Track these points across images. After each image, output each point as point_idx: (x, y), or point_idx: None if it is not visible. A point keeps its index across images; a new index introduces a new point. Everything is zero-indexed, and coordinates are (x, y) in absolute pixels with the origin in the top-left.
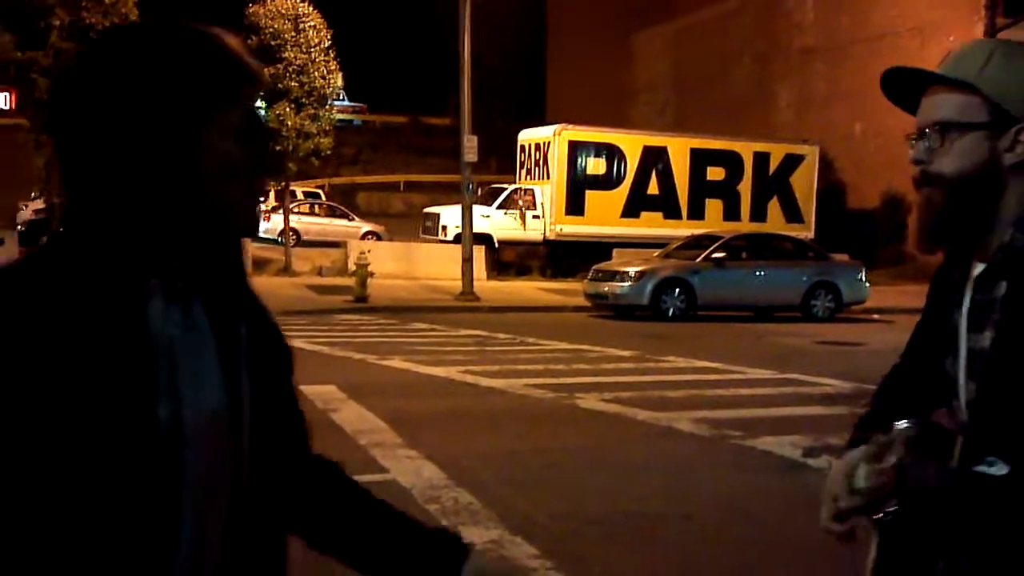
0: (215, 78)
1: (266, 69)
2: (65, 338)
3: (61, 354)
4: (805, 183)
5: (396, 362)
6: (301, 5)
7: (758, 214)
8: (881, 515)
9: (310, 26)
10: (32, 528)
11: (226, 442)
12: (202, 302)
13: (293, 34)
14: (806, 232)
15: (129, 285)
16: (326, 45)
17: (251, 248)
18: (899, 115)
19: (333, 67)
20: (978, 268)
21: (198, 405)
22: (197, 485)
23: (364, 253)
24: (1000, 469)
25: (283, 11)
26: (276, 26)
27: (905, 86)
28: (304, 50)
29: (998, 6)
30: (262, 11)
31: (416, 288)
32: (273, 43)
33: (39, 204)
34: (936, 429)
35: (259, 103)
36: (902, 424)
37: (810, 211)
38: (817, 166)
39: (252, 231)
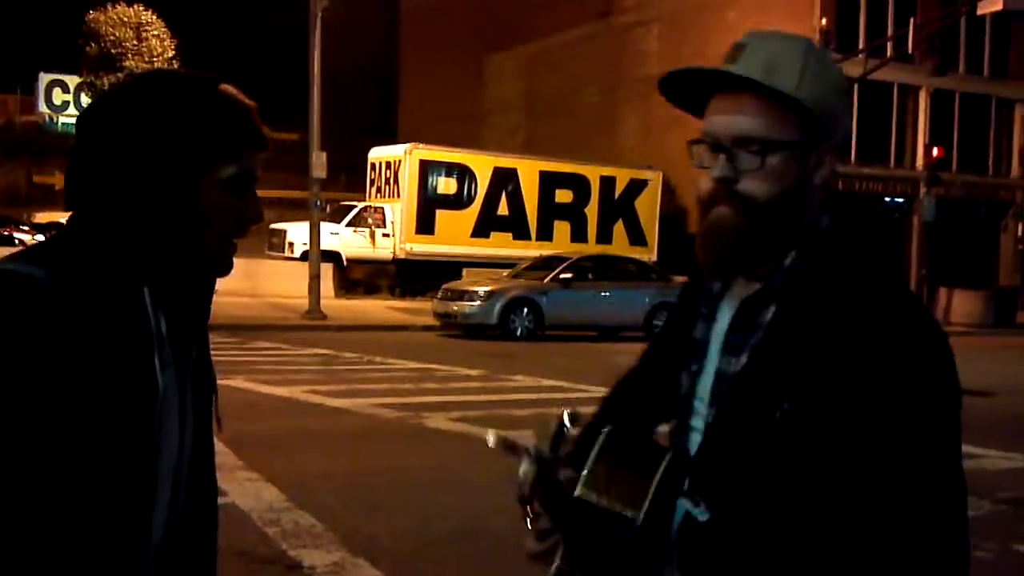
0: (221, 133)
1: (106, 78)
2: (86, 322)
3: (81, 337)
4: (649, 207)
5: (238, 382)
6: (144, 13)
7: (604, 236)
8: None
9: (153, 35)
10: (35, 507)
11: (175, 431)
12: (166, 319)
13: (135, 43)
14: (649, 254)
15: (130, 287)
16: (170, 55)
17: None
18: None
19: None
20: (742, 285)
21: (166, 395)
22: (165, 466)
23: None
24: (703, 514)
25: (125, 19)
26: (117, 34)
27: (695, 84)
28: (147, 59)
29: (831, 42)
30: (103, 18)
31: (260, 306)
32: (114, 51)
33: None
34: (643, 442)
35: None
36: (568, 424)
37: (653, 234)
38: (660, 191)
39: (226, 271)
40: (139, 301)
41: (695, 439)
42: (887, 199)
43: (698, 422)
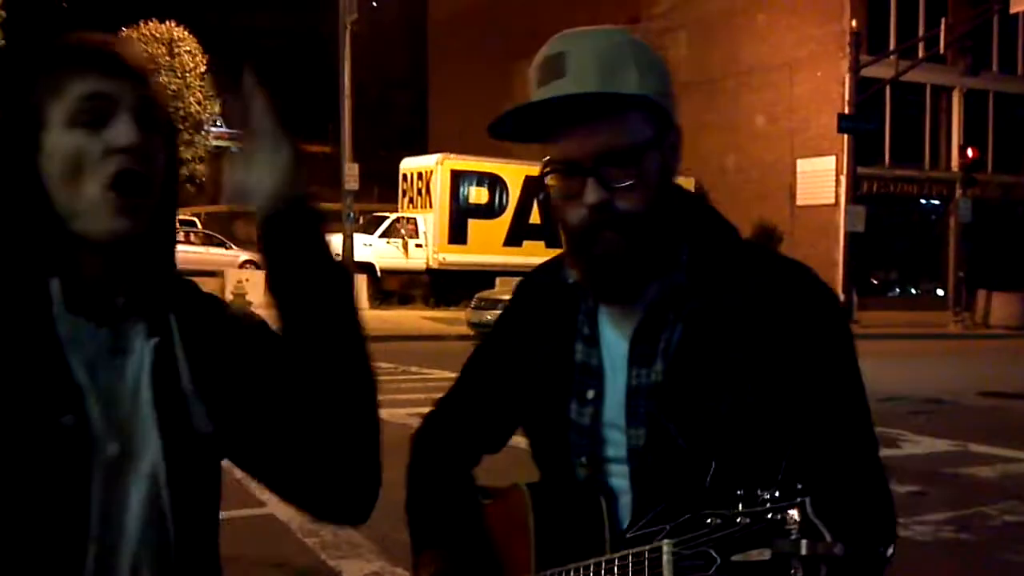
0: (35, 74)
1: None
2: None
3: None
4: None
5: None
6: (176, 29)
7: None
8: None
9: (185, 50)
10: None
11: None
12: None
13: (167, 58)
14: None
15: (29, 289)
16: (202, 70)
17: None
18: (772, 148)
19: (210, 93)
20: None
21: (109, 418)
22: (105, 494)
23: (242, 282)
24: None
25: (157, 35)
26: (150, 50)
27: (533, 115)
28: (179, 74)
29: (862, 44)
30: (136, 34)
31: None
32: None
33: None
34: (565, 500)
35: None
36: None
37: None
38: None
39: (116, 229)
40: (40, 300)
41: (617, 471)
42: (922, 201)
43: (615, 451)
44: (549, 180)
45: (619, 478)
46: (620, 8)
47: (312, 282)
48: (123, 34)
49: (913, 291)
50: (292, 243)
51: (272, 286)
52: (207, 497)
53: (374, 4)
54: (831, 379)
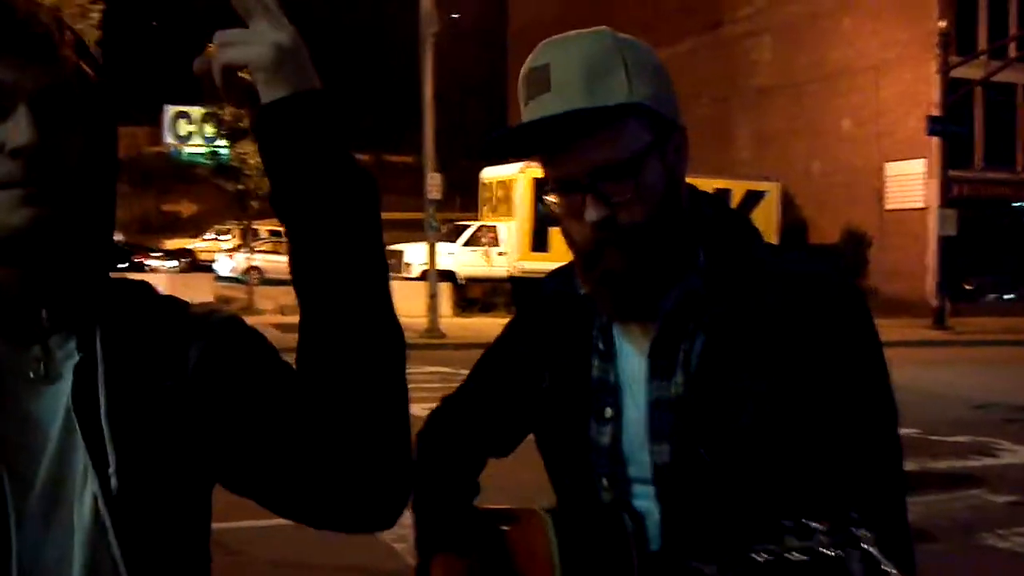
0: None
1: (228, 108)
2: None
3: None
4: (766, 219)
5: None
6: None
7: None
8: None
9: None
10: None
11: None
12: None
13: None
14: None
15: None
16: None
17: (214, 287)
18: (859, 152)
19: None
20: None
21: (21, 456)
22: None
23: None
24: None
25: None
26: None
27: (525, 133)
28: None
29: (950, 45)
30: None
31: None
32: None
33: None
34: (589, 525)
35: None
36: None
37: None
38: (778, 203)
39: (18, 231)
40: None
41: (642, 492)
42: (1015, 204)
43: (638, 470)
44: (550, 198)
45: (644, 499)
46: (702, 13)
47: (331, 189)
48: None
49: (1007, 297)
50: (302, 137)
51: (279, 200)
52: (177, 531)
53: (455, 16)
54: (853, 388)
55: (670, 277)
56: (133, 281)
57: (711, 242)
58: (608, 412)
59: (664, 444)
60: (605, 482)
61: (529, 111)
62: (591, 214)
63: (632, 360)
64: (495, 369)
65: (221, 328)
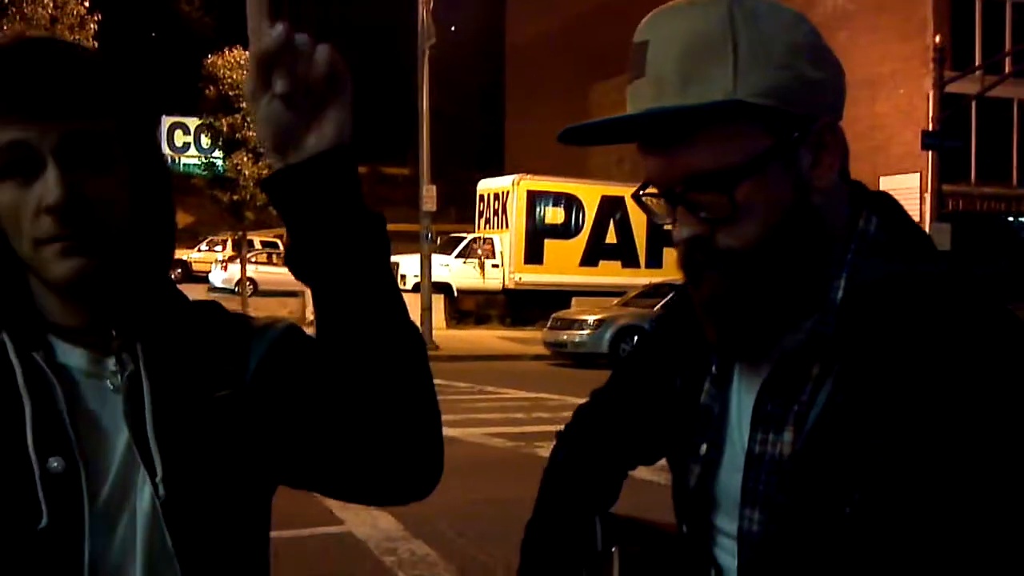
0: None
1: (224, 119)
2: None
3: None
4: None
5: None
6: None
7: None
8: None
9: None
10: None
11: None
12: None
13: None
14: None
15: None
16: None
17: (207, 297)
18: (854, 166)
19: None
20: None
21: (97, 458)
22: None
23: None
24: None
25: (242, 62)
26: (235, 76)
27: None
28: None
29: (946, 60)
30: (220, 62)
31: None
32: (232, 93)
33: None
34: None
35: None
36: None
37: None
38: None
39: (61, 279)
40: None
41: (726, 546)
42: (1010, 219)
43: (726, 523)
44: (646, 201)
45: (727, 555)
46: None
47: (355, 233)
48: (208, 61)
49: None
50: (336, 191)
51: (307, 255)
52: (230, 529)
53: (452, 28)
54: (1007, 490)
55: (794, 311)
56: (203, 301)
57: (858, 271)
58: (703, 449)
59: (756, 511)
60: (684, 528)
61: (628, 95)
62: (680, 231)
63: (744, 397)
64: (636, 369)
65: (280, 337)
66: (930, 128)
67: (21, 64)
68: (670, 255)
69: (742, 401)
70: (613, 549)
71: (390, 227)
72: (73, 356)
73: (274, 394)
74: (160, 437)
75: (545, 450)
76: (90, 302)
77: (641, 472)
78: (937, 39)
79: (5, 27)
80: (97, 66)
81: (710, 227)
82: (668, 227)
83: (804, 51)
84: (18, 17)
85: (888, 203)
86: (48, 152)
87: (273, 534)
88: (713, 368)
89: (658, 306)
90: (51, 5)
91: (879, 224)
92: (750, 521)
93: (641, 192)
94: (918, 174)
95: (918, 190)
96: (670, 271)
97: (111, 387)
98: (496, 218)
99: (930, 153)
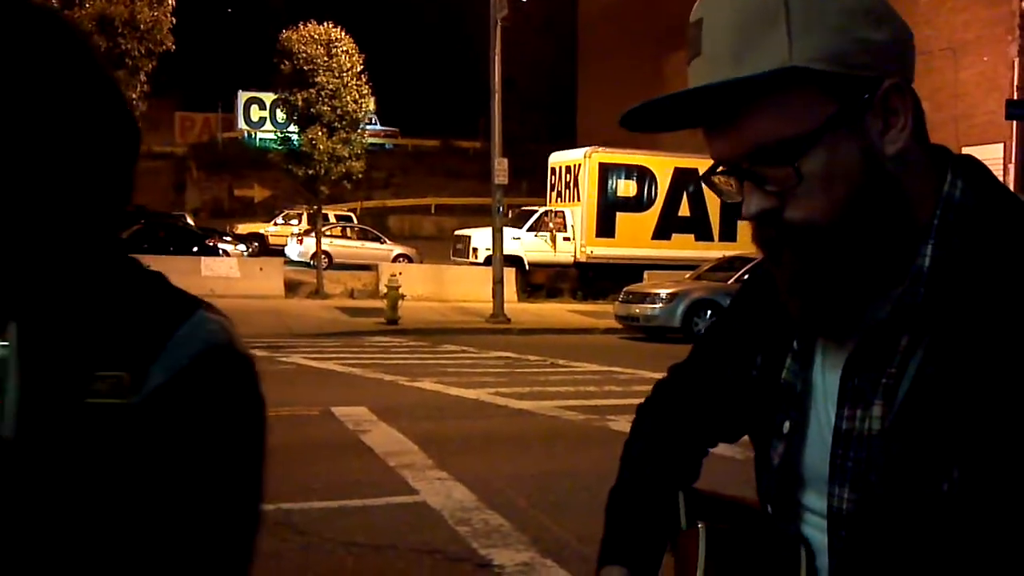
0: None
1: (299, 94)
2: None
3: None
4: None
5: (426, 384)
6: (333, 30)
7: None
8: None
9: (342, 51)
10: None
11: None
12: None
13: (326, 59)
14: None
15: None
16: (358, 70)
17: (284, 271)
18: (936, 136)
19: (365, 91)
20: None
21: None
22: None
23: (395, 275)
24: None
25: (316, 36)
26: (309, 51)
27: (673, 112)
28: (336, 75)
29: None
30: (295, 36)
31: (447, 310)
32: (306, 68)
33: None
34: (754, 538)
35: None
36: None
37: None
38: None
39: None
40: None
41: (814, 523)
42: None
43: (813, 501)
44: (716, 180)
45: (817, 532)
46: None
47: None
48: (284, 36)
49: None
50: None
51: None
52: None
53: (524, 0)
54: None
55: (878, 282)
56: (142, 274)
57: (946, 238)
58: (786, 427)
59: (846, 489)
60: (769, 508)
61: (688, 75)
62: (747, 207)
63: (828, 373)
64: (716, 345)
65: (195, 366)
66: (1015, 97)
67: None
68: (745, 229)
69: (827, 377)
70: (700, 525)
71: (462, 200)
72: None
73: (146, 440)
74: (20, 422)
75: (617, 423)
76: None
77: (720, 448)
78: (1023, 4)
79: (88, 4)
80: None
81: (779, 200)
82: (733, 202)
83: (860, 12)
84: None
85: (974, 166)
86: None
87: (347, 502)
88: (795, 344)
89: (731, 280)
90: None
91: (965, 188)
92: (840, 499)
93: (710, 173)
94: (1002, 144)
95: (1002, 161)
96: (745, 245)
97: None
98: (568, 191)
99: (1014, 123)
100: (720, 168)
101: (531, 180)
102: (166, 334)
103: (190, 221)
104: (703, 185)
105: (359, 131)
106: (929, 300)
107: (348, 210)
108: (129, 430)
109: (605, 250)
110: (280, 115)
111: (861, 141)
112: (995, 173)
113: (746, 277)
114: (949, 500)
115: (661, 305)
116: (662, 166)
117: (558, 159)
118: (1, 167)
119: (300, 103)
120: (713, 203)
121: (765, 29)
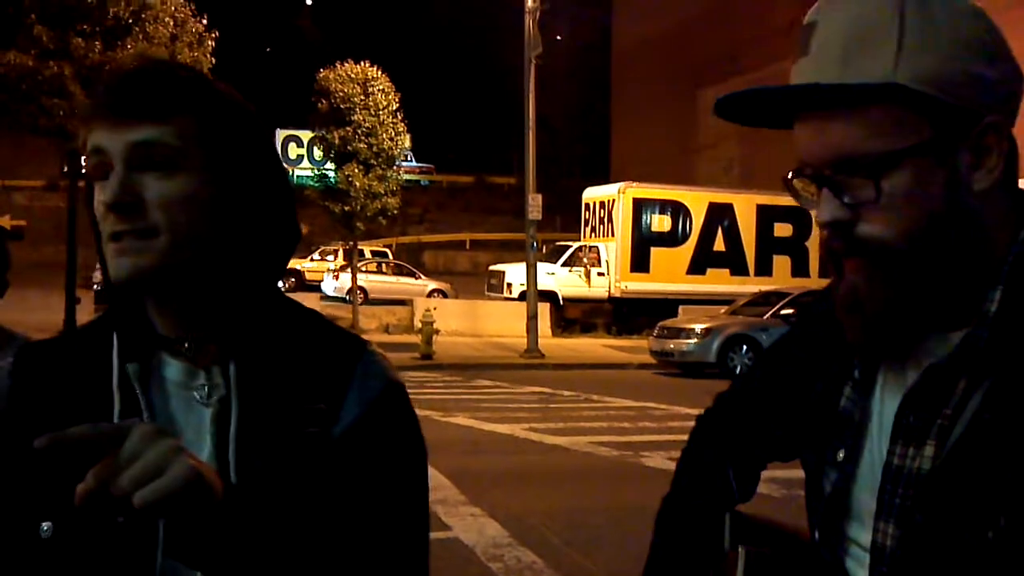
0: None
1: (336, 132)
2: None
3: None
4: None
5: (460, 419)
6: (370, 69)
7: (827, 271)
8: None
9: (379, 89)
10: None
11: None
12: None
13: (362, 97)
14: None
15: (98, 340)
16: (394, 108)
17: (320, 306)
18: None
19: (401, 129)
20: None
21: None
22: None
23: (430, 311)
24: None
25: (352, 75)
26: (346, 90)
27: (765, 104)
28: (373, 113)
29: None
30: (332, 76)
31: (481, 345)
32: (343, 106)
33: None
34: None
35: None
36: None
37: None
38: None
39: (117, 279)
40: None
41: (857, 556)
42: None
43: (858, 533)
44: (796, 183)
45: (858, 566)
46: None
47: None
48: (321, 75)
49: None
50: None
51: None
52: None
53: (558, 38)
54: None
55: (941, 317)
56: (314, 314)
57: (1016, 284)
58: (840, 455)
59: (891, 525)
60: (817, 535)
61: (791, 75)
62: (823, 212)
63: (887, 406)
64: (777, 367)
65: (383, 399)
66: None
67: (111, 78)
68: (780, 263)
69: (884, 410)
70: (741, 549)
71: (496, 236)
72: (172, 368)
73: (355, 467)
74: (240, 457)
75: (651, 459)
76: (172, 308)
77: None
78: None
79: (129, 45)
80: (176, 78)
81: (853, 213)
82: (813, 212)
83: (976, 45)
84: (141, 36)
85: None
86: (117, 155)
87: None
88: (856, 373)
89: (767, 315)
90: (171, 24)
91: None
92: (884, 535)
93: (792, 176)
94: None
95: None
96: (780, 279)
97: (197, 398)
98: (601, 226)
99: None
100: (802, 172)
101: (565, 216)
102: (349, 368)
103: None
104: (740, 212)
105: (395, 168)
106: (992, 344)
107: (384, 246)
108: (331, 458)
109: (640, 285)
110: (317, 153)
111: (948, 172)
112: None
113: (808, 302)
114: (993, 548)
115: (696, 340)
116: (696, 201)
117: (592, 195)
118: (230, 226)
119: (337, 141)
120: (748, 237)
121: (876, 41)
